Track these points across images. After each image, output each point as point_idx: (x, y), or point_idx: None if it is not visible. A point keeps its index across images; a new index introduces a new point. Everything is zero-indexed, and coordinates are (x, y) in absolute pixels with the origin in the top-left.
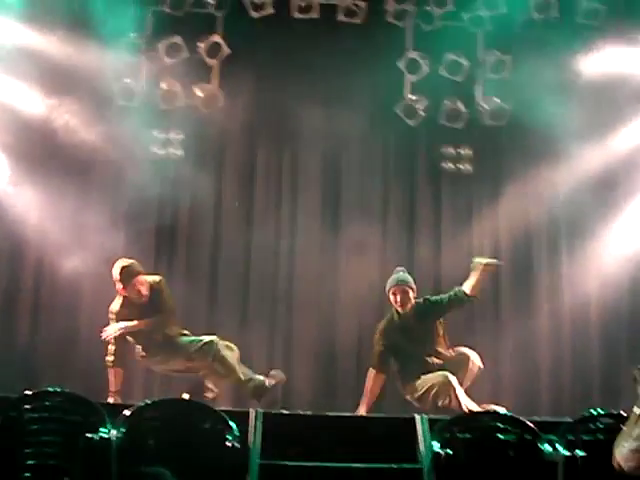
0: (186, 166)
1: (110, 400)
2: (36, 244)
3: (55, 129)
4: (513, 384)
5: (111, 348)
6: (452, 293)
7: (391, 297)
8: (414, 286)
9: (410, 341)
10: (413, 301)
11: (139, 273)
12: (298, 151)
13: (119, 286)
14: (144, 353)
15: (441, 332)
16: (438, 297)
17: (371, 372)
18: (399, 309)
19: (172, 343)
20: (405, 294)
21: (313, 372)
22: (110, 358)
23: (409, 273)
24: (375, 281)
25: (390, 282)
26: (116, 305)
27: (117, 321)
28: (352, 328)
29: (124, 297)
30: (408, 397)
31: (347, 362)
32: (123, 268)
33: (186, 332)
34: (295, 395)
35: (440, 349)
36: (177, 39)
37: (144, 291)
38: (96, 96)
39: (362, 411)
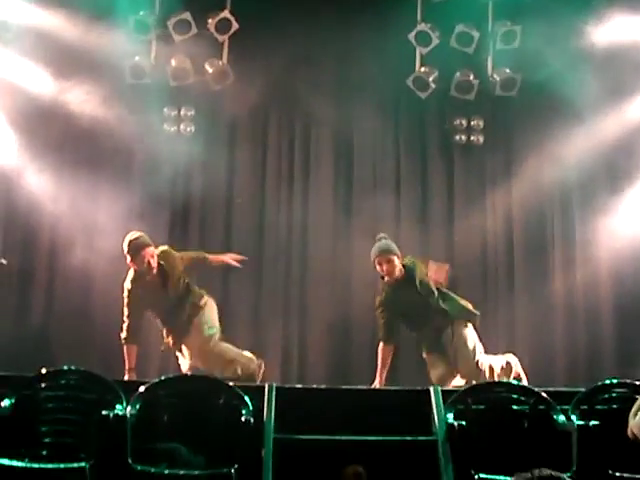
0: (198, 142)
1: (126, 377)
2: (50, 224)
3: (66, 108)
4: (527, 354)
5: (125, 324)
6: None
7: (377, 267)
8: (398, 252)
9: (412, 304)
10: (400, 267)
11: (147, 245)
12: (310, 125)
13: (128, 259)
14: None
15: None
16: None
17: (380, 345)
18: (387, 278)
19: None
20: (390, 263)
21: (328, 346)
22: (124, 334)
23: (424, 247)
24: None
25: (373, 252)
26: (128, 280)
27: (131, 296)
28: (366, 302)
29: (135, 271)
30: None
31: (361, 336)
32: (131, 241)
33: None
34: (310, 369)
35: (448, 294)
36: (186, 15)
37: (153, 263)
38: (106, 75)
39: (377, 384)
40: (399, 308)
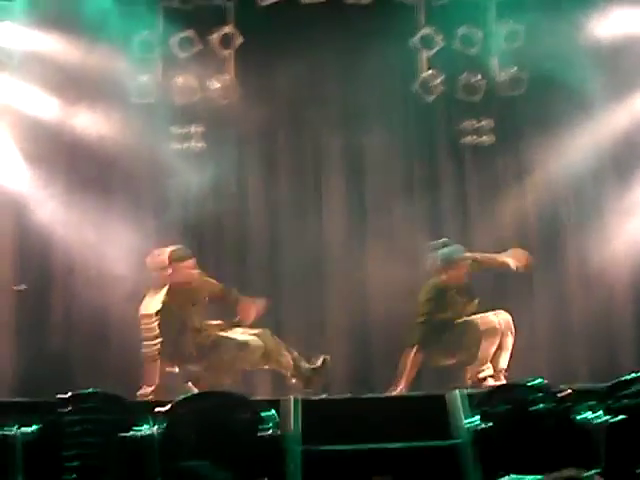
0: (208, 158)
1: (149, 395)
2: (63, 248)
3: (73, 132)
4: (548, 352)
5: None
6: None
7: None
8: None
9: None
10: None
11: (189, 257)
12: (319, 135)
13: (168, 271)
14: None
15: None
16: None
17: (415, 348)
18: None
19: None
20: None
21: (349, 356)
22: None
23: None
24: (404, 260)
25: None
26: (159, 298)
27: (166, 313)
28: (383, 309)
29: (170, 285)
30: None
31: (380, 344)
32: (172, 252)
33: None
34: (332, 379)
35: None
36: (189, 33)
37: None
38: (112, 96)
39: (402, 388)
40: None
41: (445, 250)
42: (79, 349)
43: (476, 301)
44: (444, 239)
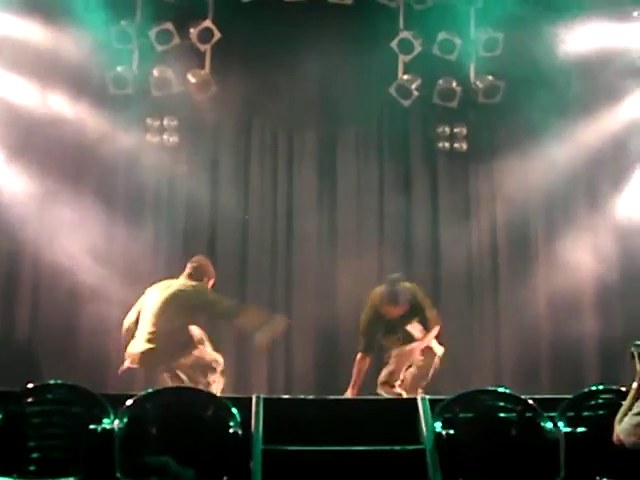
0: (182, 152)
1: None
2: (34, 237)
3: (50, 120)
4: (513, 363)
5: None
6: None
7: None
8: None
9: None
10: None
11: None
12: (293, 133)
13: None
14: None
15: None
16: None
17: (359, 355)
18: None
19: None
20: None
21: (314, 357)
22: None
23: (408, 255)
24: (373, 262)
25: (387, 296)
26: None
27: None
28: (351, 310)
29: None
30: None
31: (347, 345)
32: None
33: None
34: (296, 379)
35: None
36: (168, 25)
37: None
38: (88, 85)
39: (351, 393)
40: (382, 325)
41: (402, 288)
42: (46, 340)
43: (398, 336)
44: (398, 275)
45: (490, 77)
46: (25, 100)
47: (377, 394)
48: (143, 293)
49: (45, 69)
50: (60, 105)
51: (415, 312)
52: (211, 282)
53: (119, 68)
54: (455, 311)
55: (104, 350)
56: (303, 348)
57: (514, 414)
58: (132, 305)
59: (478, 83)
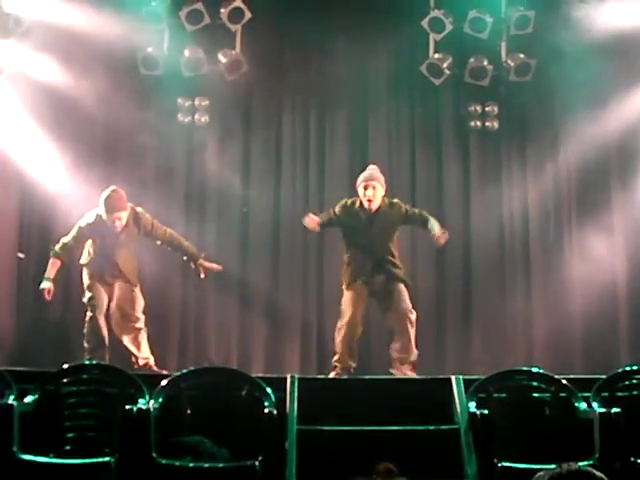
0: (213, 132)
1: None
2: (66, 217)
3: (80, 101)
4: (545, 342)
5: (64, 240)
6: (420, 213)
7: (361, 190)
8: (384, 185)
9: (366, 234)
10: (380, 200)
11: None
12: (324, 113)
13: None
14: None
15: (395, 238)
16: (404, 206)
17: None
18: (367, 204)
19: None
20: (375, 190)
21: None
22: (57, 247)
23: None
24: (405, 241)
25: (362, 177)
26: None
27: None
28: None
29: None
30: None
31: (380, 324)
32: (106, 199)
33: None
34: (329, 359)
35: (394, 252)
36: (198, 5)
37: (119, 224)
38: (119, 67)
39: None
40: (353, 226)
41: (366, 172)
42: (79, 321)
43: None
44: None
45: (521, 55)
46: (56, 81)
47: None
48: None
49: (75, 50)
50: (90, 86)
51: None
52: None
53: (149, 49)
54: (487, 291)
55: None
56: (335, 327)
57: (548, 394)
58: (165, 285)
59: (509, 61)
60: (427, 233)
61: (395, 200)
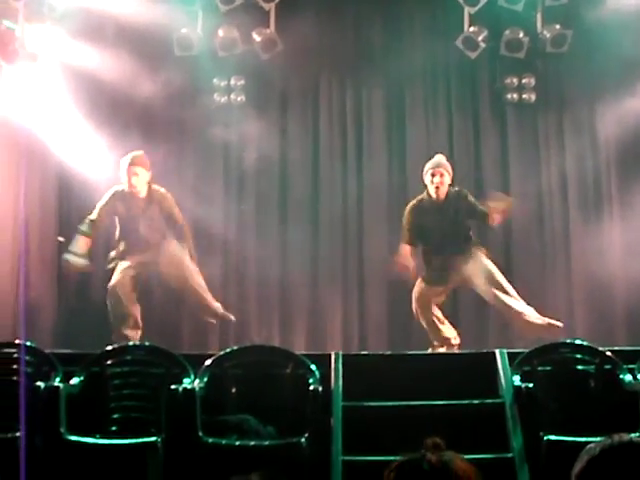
0: (249, 111)
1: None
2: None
3: (116, 84)
4: (587, 314)
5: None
6: (482, 209)
7: (429, 177)
8: (451, 173)
9: (439, 223)
10: (447, 187)
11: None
12: (361, 89)
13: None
14: None
15: (468, 224)
16: (472, 198)
17: (403, 247)
18: (434, 191)
19: None
20: (443, 177)
21: (387, 312)
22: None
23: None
24: None
25: (430, 164)
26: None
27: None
28: None
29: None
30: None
31: None
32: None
33: None
34: (370, 334)
35: (469, 235)
36: None
37: (135, 183)
38: (154, 49)
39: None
40: (427, 221)
41: (434, 159)
42: None
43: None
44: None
45: (557, 26)
46: (90, 65)
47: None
48: (214, 255)
49: (110, 34)
50: (125, 70)
51: None
52: None
53: (184, 30)
54: (526, 262)
55: (176, 311)
56: (376, 303)
57: (592, 366)
58: (204, 264)
59: (545, 33)
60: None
61: (462, 189)
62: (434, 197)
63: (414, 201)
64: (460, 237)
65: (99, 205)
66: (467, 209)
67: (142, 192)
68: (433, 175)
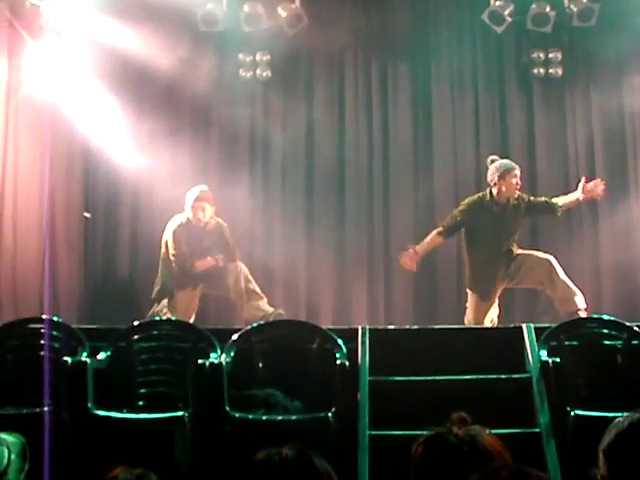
0: (275, 86)
1: None
2: (132, 177)
3: (141, 60)
4: (613, 289)
5: None
6: (546, 200)
7: (513, 180)
8: None
9: (495, 226)
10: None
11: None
12: (386, 64)
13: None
14: None
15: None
16: (534, 199)
17: (436, 235)
18: (513, 193)
19: None
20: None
21: (413, 286)
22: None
23: None
24: (471, 188)
25: (510, 165)
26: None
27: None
28: (449, 240)
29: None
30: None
31: (447, 275)
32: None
33: None
34: (396, 309)
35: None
36: None
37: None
38: (179, 25)
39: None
40: (483, 220)
41: (512, 162)
42: (145, 278)
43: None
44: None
45: (584, 0)
46: (115, 42)
47: None
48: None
49: (135, 9)
50: (151, 45)
51: None
52: None
53: (209, 5)
54: (553, 238)
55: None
56: (403, 277)
57: (620, 341)
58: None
59: (572, 6)
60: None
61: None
62: (498, 201)
63: (478, 195)
64: (511, 246)
65: (171, 243)
66: (526, 209)
67: (207, 224)
68: (516, 176)
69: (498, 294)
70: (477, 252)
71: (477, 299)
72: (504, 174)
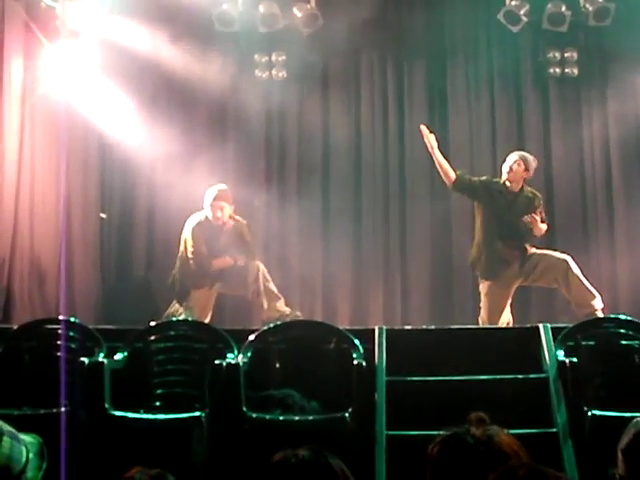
0: (291, 86)
1: None
2: (147, 177)
3: (157, 60)
4: (629, 290)
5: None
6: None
7: (514, 166)
8: None
9: (508, 210)
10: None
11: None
12: (402, 64)
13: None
14: None
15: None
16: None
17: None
18: (517, 179)
19: None
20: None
21: (430, 285)
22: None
23: None
24: None
25: (529, 157)
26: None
27: None
28: (467, 237)
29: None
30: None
31: (463, 273)
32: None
33: None
34: (413, 309)
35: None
36: None
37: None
38: (195, 24)
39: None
40: (498, 201)
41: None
42: (162, 278)
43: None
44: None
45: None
46: (131, 41)
47: None
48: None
49: (150, 10)
50: (167, 45)
51: None
52: None
53: (224, 6)
54: (569, 239)
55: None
56: (419, 277)
57: (637, 341)
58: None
59: (588, 6)
60: None
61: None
62: (509, 190)
63: (494, 178)
64: (520, 239)
65: (190, 241)
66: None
67: (225, 223)
68: (518, 164)
69: (510, 285)
70: (490, 229)
71: (487, 290)
72: (509, 162)
